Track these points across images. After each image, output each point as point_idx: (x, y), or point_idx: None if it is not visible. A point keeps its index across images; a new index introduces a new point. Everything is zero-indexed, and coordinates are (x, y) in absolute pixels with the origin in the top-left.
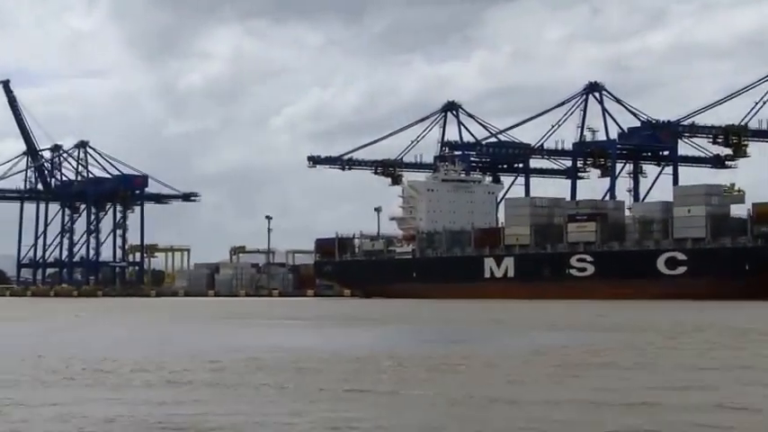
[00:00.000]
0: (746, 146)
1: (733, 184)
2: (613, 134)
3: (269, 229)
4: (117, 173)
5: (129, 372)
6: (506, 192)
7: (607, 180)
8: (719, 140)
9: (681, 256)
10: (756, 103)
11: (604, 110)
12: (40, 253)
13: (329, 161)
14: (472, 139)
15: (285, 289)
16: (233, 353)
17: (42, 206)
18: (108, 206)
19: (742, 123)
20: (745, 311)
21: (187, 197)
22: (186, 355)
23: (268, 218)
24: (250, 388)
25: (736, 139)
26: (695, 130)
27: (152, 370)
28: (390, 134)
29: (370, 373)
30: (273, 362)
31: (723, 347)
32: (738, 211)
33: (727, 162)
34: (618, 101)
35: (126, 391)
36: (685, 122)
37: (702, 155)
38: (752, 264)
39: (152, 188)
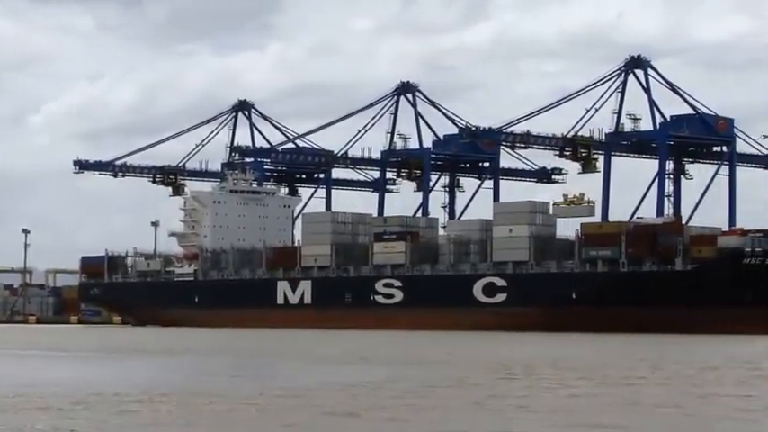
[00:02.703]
0: (596, 159)
1: (582, 194)
2: (428, 142)
3: (26, 245)
4: None
5: None
6: (305, 206)
7: (420, 194)
8: (567, 153)
9: (500, 282)
10: (588, 110)
11: (418, 114)
12: None
13: (99, 167)
14: (266, 145)
15: (44, 314)
16: None
17: None
18: None
19: (579, 133)
20: (557, 345)
21: None
22: None
23: (25, 231)
24: None
25: (585, 151)
26: (532, 141)
27: None
28: (171, 137)
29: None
30: None
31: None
32: (566, 230)
33: (554, 177)
34: (433, 104)
35: None
36: (507, 130)
37: (527, 167)
38: (579, 291)
39: None
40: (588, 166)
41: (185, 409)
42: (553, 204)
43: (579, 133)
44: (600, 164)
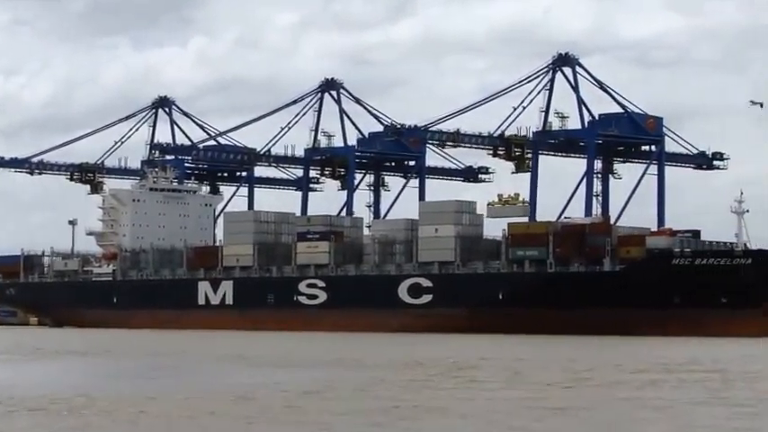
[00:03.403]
0: (530, 159)
1: (517, 194)
2: (352, 140)
3: None
4: None
5: None
6: (226, 204)
7: (344, 193)
8: (500, 152)
9: (426, 283)
10: (515, 108)
11: (342, 111)
12: None
13: (14, 164)
14: (187, 142)
15: None
16: None
17: None
18: None
19: (506, 131)
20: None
21: None
22: None
23: None
24: None
25: (519, 151)
26: (462, 139)
27: None
28: (90, 133)
29: None
30: None
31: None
32: (493, 231)
33: (481, 176)
34: (358, 101)
35: None
36: (435, 128)
37: (454, 166)
38: (506, 292)
39: None
40: (522, 166)
41: (74, 416)
42: (488, 205)
43: (506, 132)
44: (540, 164)
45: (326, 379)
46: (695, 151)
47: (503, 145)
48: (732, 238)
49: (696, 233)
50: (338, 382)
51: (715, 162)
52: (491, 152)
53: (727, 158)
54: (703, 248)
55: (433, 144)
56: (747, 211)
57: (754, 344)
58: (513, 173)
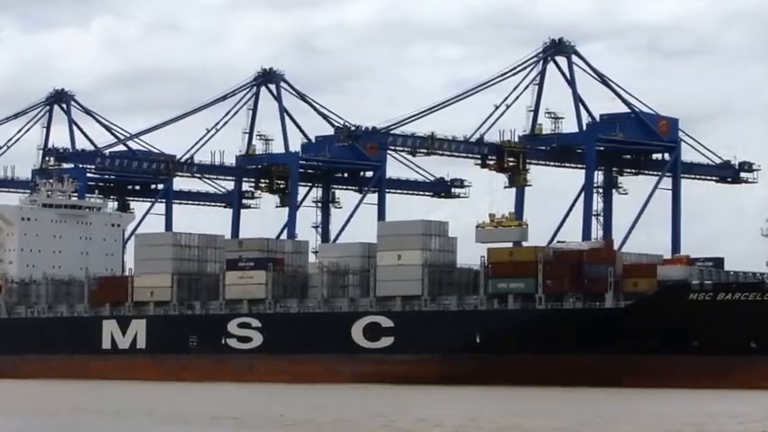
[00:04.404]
0: (528, 171)
1: (512, 213)
2: (295, 145)
3: None
4: None
5: None
6: (139, 224)
7: (285, 211)
8: (491, 162)
9: (386, 323)
10: (497, 107)
11: (283, 109)
12: None
13: None
14: (90, 147)
15: None
16: None
17: None
18: None
19: (485, 135)
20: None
21: None
22: None
23: None
24: None
25: (514, 160)
26: (438, 146)
27: None
28: None
29: None
30: None
31: None
32: (469, 258)
33: (454, 190)
34: (303, 97)
35: None
36: (396, 130)
37: (421, 178)
38: (485, 334)
39: None
40: (518, 179)
41: None
42: (477, 227)
43: (485, 136)
44: (530, 176)
45: None
46: (718, 161)
47: (493, 153)
48: (763, 267)
49: (719, 261)
50: None
51: (742, 174)
52: (478, 162)
53: (757, 169)
54: (728, 280)
55: (396, 151)
56: None
57: None
58: (506, 187)
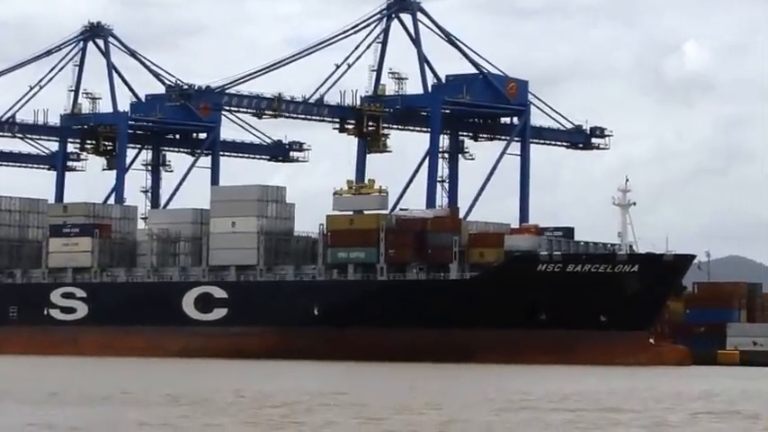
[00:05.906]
0: (387, 136)
1: (372, 180)
2: (124, 104)
3: None
4: None
5: None
6: None
7: (112, 174)
8: (349, 126)
9: (219, 293)
10: (338, 66)
11: (111, 66)
12: None
13: None
14: None
15: None
16: None
17: None
18: None
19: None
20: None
21: None
22: None
23: None
24: None
25: (374, 125)
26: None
27: None
28: None
29: None
30: None
31: None
32: (307, 226)
33: (293, 153)
34: (132, 54)
35: None
36: (232, 90)
37: (257, 141)
38: (323, 306)
39: None
40: (376, 144)
41: None
42: (334, 194)
43: (325, 97)
44: (390, 141)
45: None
46: (569, 125)
47: (353, 117)
48: (614, 238)
49: (569, 231)
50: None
51: (594, 139)
52: (337, 126)
53: (609, 135)
54: (577, 251)
55: (238, 112)
56: (634, 203)
57: (654, 376)
58: (368, 153)
